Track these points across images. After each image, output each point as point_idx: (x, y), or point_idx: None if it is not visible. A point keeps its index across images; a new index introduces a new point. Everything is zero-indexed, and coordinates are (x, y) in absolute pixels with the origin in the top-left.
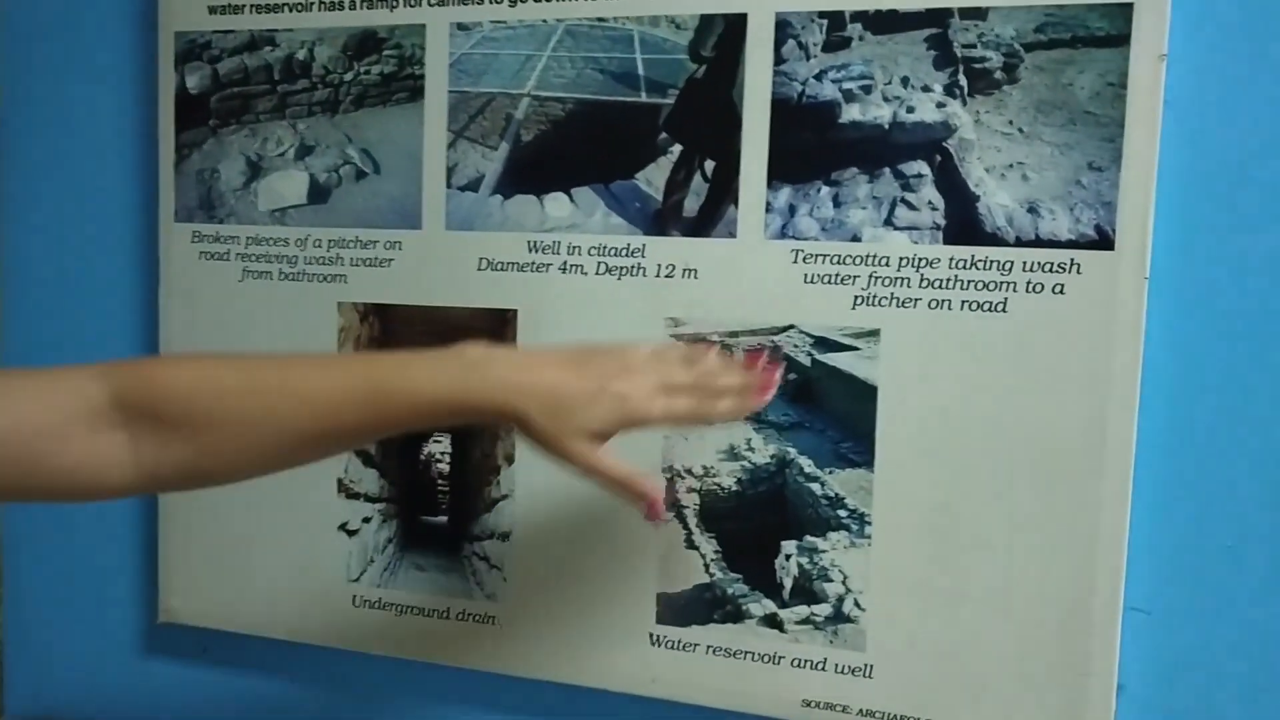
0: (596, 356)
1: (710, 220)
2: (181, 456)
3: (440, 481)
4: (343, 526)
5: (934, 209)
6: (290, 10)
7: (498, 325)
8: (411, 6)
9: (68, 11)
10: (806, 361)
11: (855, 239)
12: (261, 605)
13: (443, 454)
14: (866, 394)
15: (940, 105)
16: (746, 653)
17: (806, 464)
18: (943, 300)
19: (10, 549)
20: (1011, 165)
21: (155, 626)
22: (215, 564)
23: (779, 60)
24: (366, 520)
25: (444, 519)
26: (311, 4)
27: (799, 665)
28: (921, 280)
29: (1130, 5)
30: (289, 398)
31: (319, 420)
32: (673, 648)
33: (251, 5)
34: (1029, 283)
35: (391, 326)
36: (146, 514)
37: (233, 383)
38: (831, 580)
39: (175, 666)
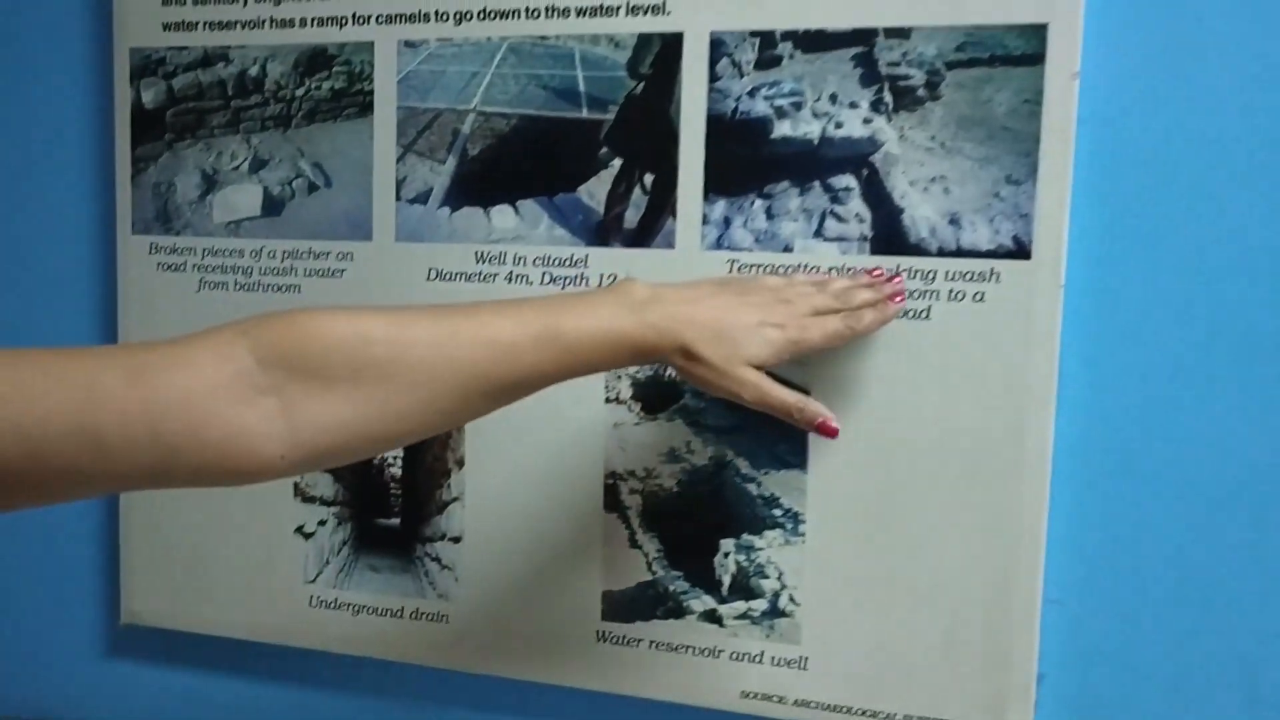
0: (750, 289)
1: (650, 232)
2: (347, 417)
3: (393, 485)
4: (299, 529)
5: (861, 221)
6: (243, 28)
7: None
8: (360, 24)
9: (23, 28)
10: None
11: (787, 249)
12: (222, 607)
13: (395, 458)
14: None
15: (867, 121)
16: (688, 647)
17: (744, 465)
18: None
19: None
20: (934, 179)
21: (118, 628)
22: (176, 567)
23: (714, 78)
24: (322, 523)
25: (397, 521)
26: (263, 22)
27: (737, 658)
28: None
29: (1044, 26)
30: (473, 340)
31: (499, 364)
32: (618, 643)
33: (205, 22)
34: (951, 291)
35: None
36: (108, 518)
37: (415, 328)
38: (767, 577)
39: (138, 667)
